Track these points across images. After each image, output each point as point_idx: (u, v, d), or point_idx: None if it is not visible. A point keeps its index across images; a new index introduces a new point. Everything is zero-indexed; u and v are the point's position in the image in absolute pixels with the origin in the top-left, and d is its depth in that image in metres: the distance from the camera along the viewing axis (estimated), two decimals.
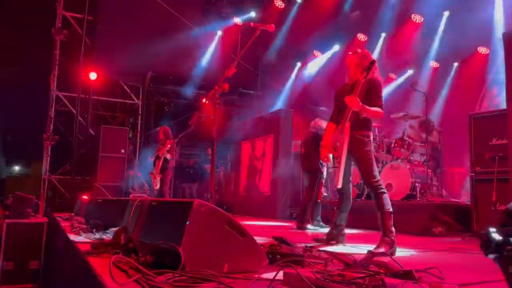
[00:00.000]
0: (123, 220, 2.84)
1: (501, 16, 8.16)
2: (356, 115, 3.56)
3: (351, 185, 3.94)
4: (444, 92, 9.72)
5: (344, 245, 3.81)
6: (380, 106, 3.58)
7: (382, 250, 3.19)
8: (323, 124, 6.08)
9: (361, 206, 6.01)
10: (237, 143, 10.86)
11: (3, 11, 11.26)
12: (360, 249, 3.44)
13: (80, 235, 3.51)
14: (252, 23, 3.70)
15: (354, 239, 4.28)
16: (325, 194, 7.12)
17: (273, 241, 2.54)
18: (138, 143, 13.16)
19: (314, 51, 12.28)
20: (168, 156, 7.78)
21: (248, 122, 11.25)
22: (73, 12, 10.78)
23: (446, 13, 9.30)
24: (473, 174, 5.22)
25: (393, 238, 3.37)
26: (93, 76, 10.06)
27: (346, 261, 2.24)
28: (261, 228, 5.86)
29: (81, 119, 10.65)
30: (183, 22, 10.56)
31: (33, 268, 5.58)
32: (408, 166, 6.45)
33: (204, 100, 3.64)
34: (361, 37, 10.65)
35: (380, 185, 3.54)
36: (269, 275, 1.81)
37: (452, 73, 9.92)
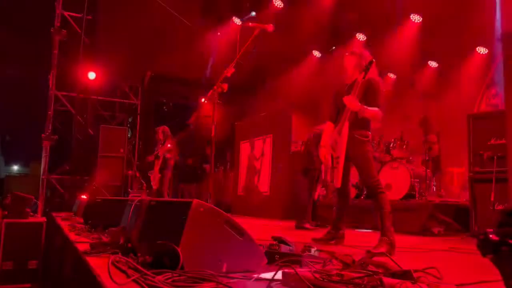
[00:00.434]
0: (122, 220, 2.84)
1: (501, 16, 8.16)
2: (354, 115, 3.56)
3: (350, 185, 3.95)
4: (443, 92, 9.73)
5: (343, 245, 3.81)
6: (378, 106, 3.58)
7: (381, 250, 3.19)
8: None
9: (360, 206, 6.02)
10: (236, 143, 10.85)
11: (2, 11, 11.25)
12: (359, 249, 3.44)
13: (79, 235, 3.51)
14: (250, 23, 3.71)
15: (353, 239, 4.28)
16: (323, 193, 7.12)
17: (272, 241, 2.55)
18: (137, 143, 13.15)
19: (313, 51, 12.28)
20: (168, 156, 7.78)
21: (247, 122, 11.25)
22: (72, 12, 10.77)
23: (445, 13, 9.30)
24: (471, 174, 5.23)
25: (392, 238, 3.37)
26: (92, 75, 10.05)
27: (344, 261, 2.24)
28: (260, 228, 5.86)
29: (80, 118, 10.64)
30: (182, 21, 10.55)
31: (32, 268, 5.58)
32: (407, 166, 6.46)
33: (203, 100, 3.65)
34: (360, 36, 10.65)
35: (379, 185, 3.55)
36: (268, 275, 1.82)
37: (451, 72, 9.93)
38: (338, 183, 3.63)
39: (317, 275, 1.65)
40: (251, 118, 11.48)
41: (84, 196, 6.19)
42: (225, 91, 3.39)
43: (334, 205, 4.10)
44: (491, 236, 1.25)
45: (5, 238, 5.40)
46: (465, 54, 9.46)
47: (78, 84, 10.08)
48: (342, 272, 1.71)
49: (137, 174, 11.24)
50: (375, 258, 2.19)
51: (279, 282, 1.72)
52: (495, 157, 4.92)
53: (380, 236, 3.41)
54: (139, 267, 1.85)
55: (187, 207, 1.96)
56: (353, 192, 6.85)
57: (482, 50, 9.18)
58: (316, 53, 12.32)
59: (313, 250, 2.50)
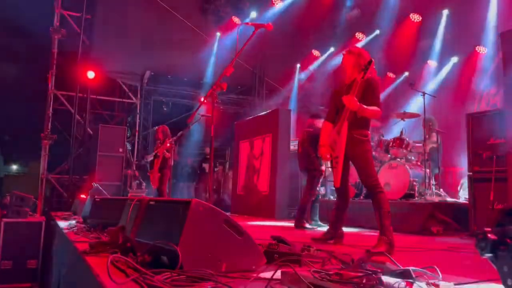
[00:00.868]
0: (121, 219, 2.84)
1: (499, 16, 8.17)
2: (353, 115, 3.56)
3: (349, 185, 3.95)
4: (442, 91, 9.74)
5: (342, 245, 3.81)
6: (377, 105, 3.58)
7: (380, 249, 3.20)
8: (319, 123, 6.08)
9: (359, 206, 6.02)
10: (235, 142, 10.85)
11: (1, 10, 11.23)
12: (358, 249, 3.44)
13: (78, 234, 3.51)
14: (250, 22, 3.70)
15: (352, 238, 4.29)
16: (322, 193, 7.13)
17: (271, 240, 2.55)
18: (136, 142, 13.15)
19: (313, 51, 12.29)
20: (167, 155, 7.78)
21: (246, 121, 11.25)
22: (71, 11, 10.75)
23: (444, 12, 9.31)
24: (471, 173, 5.24)
25: (391, 237, 3.37)
26: (91, 75, 10.04)
27: (343, 260, 2.25)
28: (259, 228, 5.87)
29: (79, 118, 10.63)
30: (182, 21, 10.55)
31: (31, 267, 5.58)
32: (406, 166, 6.46)
33: (202, 99, 3.65)
34: (360, 36, 10.66)
35: (378, 184, 3.55)
36: (267, 274, 1.82)
37: (451, 72, 9.94)
38: (337, 183, 3.63)
39: (316, 275, 1.66)
40: (250, 117, 11.47)
41: (83, 196, 6.19)
42: (224, 90, 3.38)
43: (334, 205, 4.10)
44: (489, 235, 1.25)
45: (5, 238, 5.41)
46: (464, 53, 9.47)
47: (77, 83, 10.07)
48: (341, 272, 1.71)
49: (136, 174, 11.24)
50: (374, 258, 2.19)
51: (278, 282, 1.72)
52: (494, 156, 4.92)
53: (379, 236, 3.41)
54: (138, 266, 1.85)
55: (186, 207, 1.96)
56: (352, 191, 6.85)
57: (481, 49, 9.19)
58: (316, 53, 12.33)
59: (312, 249, 2.50)
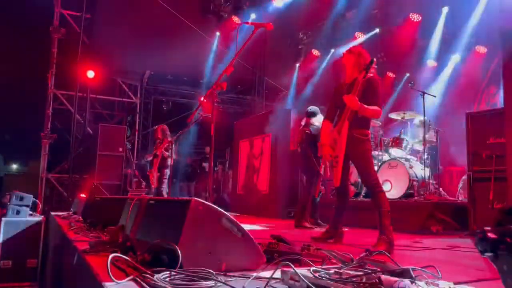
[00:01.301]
0: (121, 219, 2.84)
1: (499, 15, 8.16)
2: (354, 114, 3.56)
3: (349, 184, 3.95)
4: (442, 90, 9.74)
5: (341, 244, 3.81)
6: (378, 105, 3.58)
7: (379, 248, 3.19)
8: (316, 122, 6.08)
9: (359, 205, 6.03)
10: (235, 141, 10.85)
11: (0, 9, 11.23)
12: (358, 248, 3.45)
13: (78, 234, 3.51)
14: (250, 22, 3.70)
15: (351, 237, 4.29)
16: (322, 192, 7.13)
17: (271, 239, 2.55)
18: (136, 142, 13.15)
19: (313, 50, 12.29)
20: (166, 154, 7.77)
21: (246, 120, 11.25)
22: (71, 10, 10.75)
23: (444, 12, 9.31)
24: (470, 173, 5.24)
25: (390, 236, 3.38)
26: (90, 74, 10.04)
27: (343, 259, 2.25)
28: (259, 227, 5.87)
29: (79, 117, 10.64)
30: (181, 20, 10.55)
31: (31, 267, 5.58)
32: (405, 165, 6.46)
33: (202, 98, 3.64)
34: (359, 35, 10.65)
35: (378, 184, 3.55)
36: (267, 274, 1.82)
37: (450, 71, 9.94)
38: (337, 182, 3.63)
39: (316, 274, 1.66)
40: (250, 117, 11.48)
41: (83, 195, 6.20)
42: (224, 90, 3.38)
43: (333, 204, 4.10)
44: (489, 234, 1.25)
45: (4, 237, 5.40)
46: (464, 53, 9.47)
47: (77, 82, 10.07)
48: (341, 271, 1.71)
49: (136, 173, 11.24)
50: (374, 257, 2.19)
51: (278, 281, 1.72)
52: (494, 156, 4.92)
53: (378, 235, 3.41)
54: (138, 265, 1.85)
55: (186, 206, 1.96)
56: (352, 191, 6.85)
57: (481, 49, 9.19)
58: (316, 52, 12.33)
59: (312, 248, 2.50)
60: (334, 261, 2.27)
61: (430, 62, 10.20)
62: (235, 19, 11.47)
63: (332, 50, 11.75)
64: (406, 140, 7.00)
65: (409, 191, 6.34)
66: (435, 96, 7.83)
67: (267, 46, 12.32)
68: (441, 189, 6.87)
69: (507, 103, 4.53)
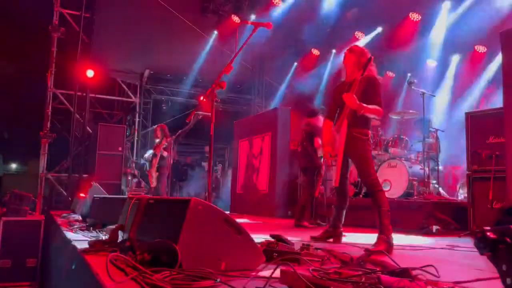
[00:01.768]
0: (120, 218, 2.84)
1: (499, 15, 8.16)
2: (353, 113, 3.55)
3: (348, 183, 3.95)
4: (442, 90, 9.74)
5: (341, 243, 3.81)
6: (378, 104, 3.57)
7: (379, 248, 3.20)
8: (316, 121, 6.09)
9: (358, 204, 6.02)
10: (234, 141, 10.85)
11: (0, 8, 11.21)
12: (357, 247, 3.45)
13: (77, 233, 3.51)
14: (249, 21, 3.70)
15: (351, 237, 4.29)
16: (322, 191, 7.13)
17: (271, 239, 2.55)
18: (135, 141, 13.15)
19: (312, 49, 12.28)
20: (165, 153, 7.77)
21: (246, 120, 11.25)
22: (70, 10, 10.74)
23: (444, 12, 9.31)
24: (470, 172, 5.24)
25: (390, 236, 3.38)
26: (90, 73, 10.02)
27: (343, 259, 2.25)
28: (259, 226, 5.87)
29: (78, 116, 10.62)
30: (181, 19, 10.53)
31: (30, 266, 5.58)
32: (405, 164, 6.46)
33: (201, 98, 3.64)
34: (359, 35, 10.65)
35: (377, 183, 3.55)
36: (266, 273, 1.82)
37: (450, 71, 9.95)
38: (336, 182, 3.63)
39: (315, 273, 1.66)
40: (250, 116, 11.47)
41: (82, 194, 6.19)
42: (223, 89, 3.37)
43: (333, 204, 4.10)
44: (488, 234, 1.25)
45: (4, 236, 5.40)
46: (463, 52, 9.47)
47: (77, 82, 10.06)
48: (340, 270, 1.71)
49: (136, 172, 11.24)
50: (373, 256, 2.19)
51: (277, 280, 1.72)
52: (493, 155, 4.92)
53: (378, 234, 3.41)
54: (137, 265, 1.85)
55: (185, 206, 1.96)
56: (351, 190, 6.85)
57: (481, 48, 9.19)
58: (316, 52, 12.32)
59: (311, 248, 2.50)
60: (333, 260, 2.28)
61: (430, 62, 10.21)
62: (235, 18, 11.46)
63: (333, 51, 11.76)
64: (406, 140, 7.00)
65: (409, 190, 6.34)
66: (434, 96, 7.83)
67: (267, 45, 12.31)
68: (440, 188, 6.88)
69: (507, 102, 4.53)
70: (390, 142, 7.02)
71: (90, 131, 10.89)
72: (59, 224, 4.63)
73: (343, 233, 4.01)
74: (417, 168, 6.71)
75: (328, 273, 1.69)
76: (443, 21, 9.31)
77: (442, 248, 3.80)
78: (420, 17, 9.60)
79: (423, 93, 6.85)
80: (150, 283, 1.61)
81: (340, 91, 3.78)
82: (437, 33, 9.43)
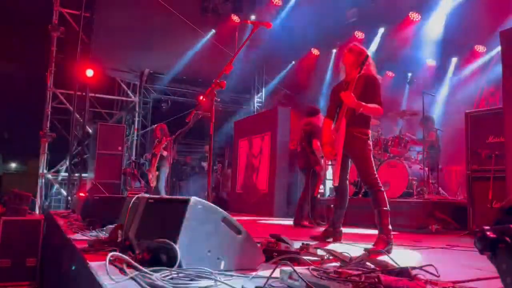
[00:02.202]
0: (120, 218, 2.84)
1: (499, 15, 8.16)
2: (352, 112, 3.55)
3: (348, 183, 3.94)
4: (442, 90, 9.74)
5: (340, 243, 3.81)
6: (378, 102, 3.56)
7: (378, 247, 3.20)
8: (316, 121, 6.09)
9: (358, 204, 6.02)
10: (234, 140, 10.86)
11: (0, 8, 11.20)
12: (357, 247, 3.45)
13: (77, 233, 3.51)
14: (249, 21, 3.70)
15: (350, 236, 4.29)
16: (321, 191, 7.14)
17: (270, 238, 2.55)
18: (135, 141, 13.14)
19: (312, 49, 12.28)
20: (165, 153, 7.77)
21: (245, 119, 11.25)
22: (70, 9, 10.73)
23: (444, 11, 9.31)
24: (469, 172, 5.24)
25: (389, 235, 3.38)
26: (90, 73, 10.02)
27: (342, 258, 2.25)
28: (258, 226, 5.87)
29: (78, 116, 10.62)
30: (181, 19, 10.53)
31: (30, 266, 5.57)
32: (405, 164, 6.46)
33: (201, 97, 3.64)
34: (359, 34, 10.64)
35: (377, 183, 3.54)
36: (266, 273, 1.82)
37: (450, 71, 9.95)
38: (336, 181, 3.63)
39: (314, 273, 1.66)
40: (249, 116, 11.47)
41: (82, 194, 6.19)
42: (223, 88, 3.37)
43: (332, 203, 4.10)
44: (488, 233, 1.25)
45: (3, 236, 5.39)
46: (463, 52, 9.47)
47: (76, 81, 10.05)
48: (340, 270, 1.71)
49: (135, 172, 11.24)
50: (373, 256, 2.19)
51: (277, 280, 1.72)
52: (493, 155, 4.93)
53: (378, 234, 3.41)
54: (137, 264, 1.85)
55: (185, 205, 1.96)
56: (351, 189, 6.86)
57: (480, 48, 9.19)
58: (315, 51, 12.32)
59: (311, 247, 2.50)
60: (333, 260, 2.27)
61: (430, 62, 10.21)
62: (235, 18, 11.46)
63: (334, 50, 11.75)
64: (406, 140, 7.00)
65: (409, 190, 6.34)
66: (434, 95, 7.83)
67: (266, 44, 12.30)
68: (440, 188, 6.88)
69: (506, 102, 4.53)
70: (390, 142, 7.02)
71: (90, 130, 10.89)
72: (58, 223, 4.62)
73: (343, 233, 4.01)
74: (417, 168, 6.72)
75: (328, 272, 1.69)
76: (443, 21, 9.31)
77: (442, 248, 3.80)
78: (420, 16, 9.60)
79: (423, 93, 6.85)
80: (149, 283, 1.61)
81: (338, 90, 3.77)
82: (437, 33, 9.43)
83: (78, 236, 3.29)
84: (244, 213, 8.83)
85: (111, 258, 1.90)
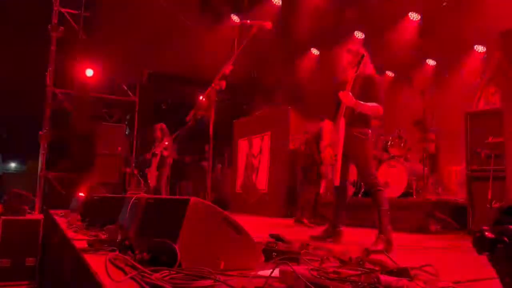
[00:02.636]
0: (120, 218, 2.84)
1: (499, 15, 8.16)
2: (351, 112, 3.55)
3: (348, 183, 3.95)
4: (441, 90, 9.74)
5: (340, 243, 3.81)
6: (378, 102, 3.56)
7: (378, 247, 3.20)
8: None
9: (357, 204, 6.03)
10: (234, 140, 10.85)
11: None
12: (356, 247, 3.45)
13: (77, 232, 3.51)
14: (249, 21, 3.70)
15: (350, 236, 4.29)
16: (321, 191, 7.14)
17: (270, 238, 2.55)
18: (134, 141, 13.13)
19: (312, 49, 12.28)
20: (165, 153, 7.76)
21: (245, 119, 11.25)
22: (70, 9, 10.72)
23: (443, 11, 9.31)
24: (469, 172, 5.24)
25: (389, 235, 3.38)
26: (89, 72, 10.01)
27: (342, 258, 2.25)
28: (258, 226, 5.87)
29: (77, 116, 10.61)
30: (180, 19, 10.52)
31: (30, 265, 5.57)
32: (404, 164, 6.47)
33: (201, 97, 3.64)
34: (358, 34, 10.64)
35: (377, 182, 3.55)
36: (265, 272, 1.82)
37: (449, 71, 9.94)
38: (336, 181, 3.63)
39: (314, 273, 1.66)
40: (249, 116, 11.46)
41: (81, 194, 6.19)
42: (223, 88, 3.38)
43: (332, 203, 4.10)
44: (487, 233, 1.25)
45: (3, 236, 5.39)
46: (463, 52, 9.47)
47: (76, 81, 10.04)
48: (339, 270, 1.71)
49: (135, 172, 11.23)
50: (372, 256, 2.20)
51: (276, 280, 1.72)
52: (492, 155, 4.93)
53: (377, 234, 3.41)
54: (136, 264, 1.85)
55: (184, 205, 1.96)
56: (351, 189, 6.86)
57: (480, 48, 9.19)
58: (315, 51, 12.32)
59: (310, 247, 2.50)
60: (332, 260, 2.28)
61: (429, 61, 10.21)
62: (234, 17, 11.46)
63: (332, 49, 11.73)
64: (405, 140, 7.00)
65: (408, 190, 6.35)
66: (433, 95, 7.82)
67: (266, 44, 12.29)
68: (440, 188, 6.88)
69: (506, 102, 4.53)
70: (390, 142, 7.02)
71: (89, 130, 10.87)
72: (58, 223, 4.62)
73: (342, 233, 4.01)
74: (417, 167, 6.72)
75: (327, 272, 1.69)
76: (442, 20, 9.30)
77: (441, 248, 3.80)
78: (419, 16, 9.60)
79: (423, 92, 6.85)
80: (149, 283, 1.61)
81: (337, 90, 3.78)
82: (437, 33, 9.42)
83: (77, 236, 3.29)
84: (244, 213, 8.83)
85: (110, 258, 1.90)
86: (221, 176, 12.55)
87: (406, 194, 6.33)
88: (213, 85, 3.33)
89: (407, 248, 3.65)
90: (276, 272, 1.73)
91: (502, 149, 4.67)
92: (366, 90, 3.57)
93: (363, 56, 3.52)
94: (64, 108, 10.98)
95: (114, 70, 12.24)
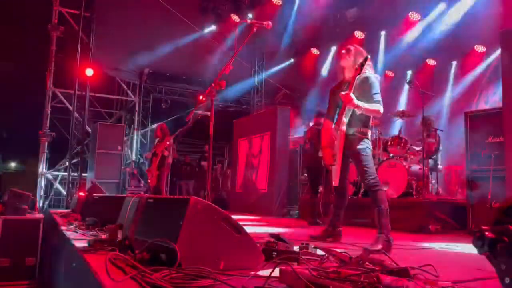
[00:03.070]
0: (120, 217, 2.84)
1: (499, 14, 8.17)
2: (352, 112, 3.55)
3: (348, 183, 3.94)
4: (441, 90, 9.74)
5: (340, 242, 3.81)
6: (378, 102, 3.57)
7: (377, 247, 3.20)
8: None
9: (357, 203, 6.03)
10: (234, 140, 10.86)
11: None
12: (356, 246, 3.45)
13: (77, 232, 3.51)
14: (249, 20, 3.70)
15: (350, 236, 4.29)
16: (321, 191, 7.15)
17: (270, 238, 2.55)
18: (135, 140, 13.14)
19: (312, 49, 12.28)
20: (165, 153, 7.76)
21: (245, 119, 11.25)
22: (70, 8, 10.73)
23: (443, 11, 9.31)
24: (469, 172, 5.24)
25: (389, 235, 3.38)
26: (89, 72, 10.01)
27: (341, 258, 2.25)
28: (258, 225, 5.87)
29: (77, 115, 10.62)
30: (180, 19, 10.53)
31: (29, 265, 5.56)
32: (404, 164, 6.46)
33: (201, 97, 3.63)
34: (359, 34, 10.65)
35: (377, 182, 3.55)
36: (265, 272, 1.82)
37: (450, 71, 9.95)
38: (336, 181, 3.63)
39: (314, 273, 1.66)
40: (249, 115, 11.47)
41: (81, 193, 6.19)
42: (223, 88, 3.37)
43: (332, 203, 4.10)
44: (487, 233, 1.25)
45: (2, 235, 5.38)
46: (463, 52, 9.47)
47: (76, 81, 10.05)
48: (339, 269, 1.71)
49: (135, 171, 11.24)
50: (372, 256, 2.20)
51: (276, 280, 1.72)
52: (492, 155, 4.93)
53: (377, 234, 3.41)
54: (136, 264, 1.85)
55: (184, 205, 1.96)
56: (350, 189, 6.86)
57: (480, 48, 9.19)
58: (315, 51, 12.32)
59: (310, 247, 2.50)
60: (332, 260, 2.28)
61: (430, 61, 10.21)
62: (234, 17, 11.46)
63: (333, 49, 11.75)
64: (405, 139, 7.00)
65: (408, 190, 6.34)
66: (434, 95, 7.82)
67: (266, 44, 12.30)
68: (440, 188, 6.88)
69: (506, 102, 4.54)
70: (390, 142, 7.02)
71: (89, 130, 10.88)
72: (58, 223, 4.62)
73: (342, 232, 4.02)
74: (417, 167, 6.71)
75: (327, 272, 1.69)
76: (442, 20, 9.31)
77: (441, 248, 3.80)
78: (419, 16, 9.60)
79: (423, 92, 6.85)
80: (149, 282, 1.61)
81: (338, 91, 3.77)
82: (437, 33, 9.44)
83: (77, 235, 3.29)
84: (243, 212, 8.83)
85: (110, 258, 1.90)
86: (221, 176, 12.56)
87: (406, 194, 6.33)
88: (213, 84, 3.33)
89: (407, 248, 3.65)
90: (276, 272, 1.73)
91: (502, 149, 4.68)
92: (366, 90, 3.57)
93: (366, 58, 3.51)
94: (64, 108, 10.99)
95: (114, 70, 12.25)
